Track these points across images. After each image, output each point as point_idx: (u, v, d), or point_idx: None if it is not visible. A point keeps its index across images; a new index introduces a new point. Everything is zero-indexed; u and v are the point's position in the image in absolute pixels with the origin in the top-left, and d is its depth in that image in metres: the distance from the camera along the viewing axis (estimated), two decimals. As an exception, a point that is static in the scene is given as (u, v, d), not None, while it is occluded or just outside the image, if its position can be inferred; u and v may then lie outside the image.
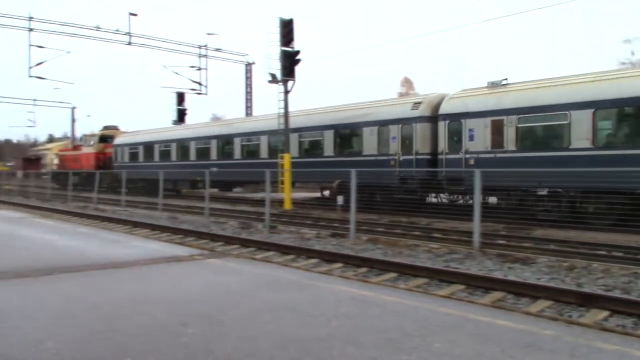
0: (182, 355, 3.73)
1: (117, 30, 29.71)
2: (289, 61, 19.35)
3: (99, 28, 29.33)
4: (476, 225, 9.90)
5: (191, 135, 28.21)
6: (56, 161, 41.42)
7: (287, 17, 19.59)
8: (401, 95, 54.46)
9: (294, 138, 21.15)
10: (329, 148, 20.31)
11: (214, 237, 12.61)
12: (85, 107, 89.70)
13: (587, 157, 13.09)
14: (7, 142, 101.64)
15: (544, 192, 14.27)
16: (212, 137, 26.51)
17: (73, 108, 51.77)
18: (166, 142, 29.85)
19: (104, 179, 29.19)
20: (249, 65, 35.62)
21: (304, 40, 36.15)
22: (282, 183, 20.15)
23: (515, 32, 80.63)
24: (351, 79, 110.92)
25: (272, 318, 4.68)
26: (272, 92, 31.96)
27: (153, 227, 14.76)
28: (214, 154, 26.14)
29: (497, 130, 15.17)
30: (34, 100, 50.63)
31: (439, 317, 4.78)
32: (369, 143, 18.76)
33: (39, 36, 28.72)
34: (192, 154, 27.60)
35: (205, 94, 33.32)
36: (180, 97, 32.70)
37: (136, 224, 15.66)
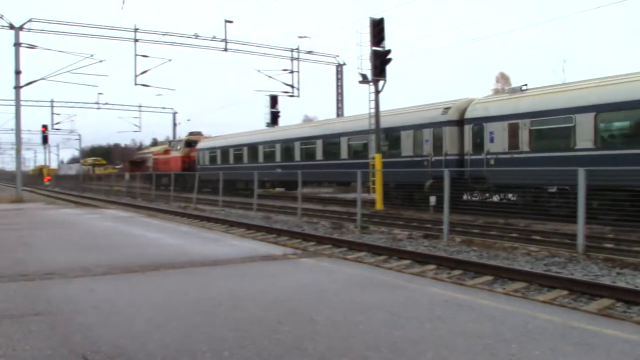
0: (278, 351, 3.83)
1: (214, 38, 31.00)
2: (380, 61, 19.27)
3: (197, 36, 30.78)
4: (580, 227, 9.36)
5: (259, 140, 31.69)
6: (150, 164, 45.93)
7: (378, 16, 19.53)
8: (496, 91, 52.44)
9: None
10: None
11: (307, 237, 12.85)
12: (185, 111, 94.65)
13: (589, 157, 14.21)
14: (116, 146, 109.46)
15: (553, 189, 15.45)
16: (275, 141, 30.06)
17: (174, 113, 54.74)
18: (238, 147, 33.74)
19: (189, 180, 31.32)
20: (339, 67, 35.85)
21: (396, 38, 35.60)
22: (373, 184, 20.09)
23: (623, 20, 75.07)
24: (444, 75, 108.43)
25: (364, 318, 4.69)
26: (364, 91, 32.11)
27: (248, 227, 15.29)
28: (278, 156, 29.51)
29: (514, 132, 16.66)
30: (139, 106, 54.11)
31: (540, 324, 4.56)
32: (406, 145, 20.74)
33: (144, 46, 30.60)
34: (260, 157, 31.06)
35: (297, 96, 33.94)
36: (274, 100, 33.58)
37: (232, 224, 16.30)
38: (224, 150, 34.96)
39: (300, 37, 33.55)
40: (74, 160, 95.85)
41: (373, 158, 20.52)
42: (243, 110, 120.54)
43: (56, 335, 4.18)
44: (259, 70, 33.05)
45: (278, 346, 3.94)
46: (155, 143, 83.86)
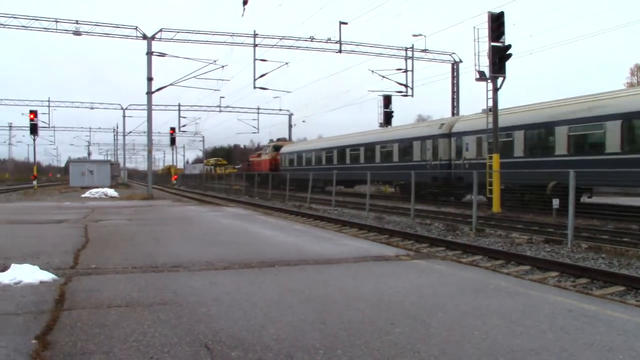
0: (390, 352, 3.82)
1: (329, 40, 31.54)
2: (499, 57, 18.50)
3: (313, 39, 31.50)
4: None
5: (330, 145, 37.54)
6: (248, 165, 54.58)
7: (496, 10, 18.77)
8: (630, 85, 48.21)
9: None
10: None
11: (419, 239, 12.68)
12: (301, 112, 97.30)
13: (525, 162, 19.99)
14: (236, 147, 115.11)
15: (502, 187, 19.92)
16: (347, 145, 34.84)
17: (290, 114, 56.60)
18: (314, 150, 39.59)
19: (275, 179, 36.66)
20: (455, 64, 34.95)
21: (518, 33, 34.14)
22: (490, 185, 19.35)
23: None
24: (574, 69, 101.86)
25: (479, 324, 4.53)
26: (480, 90, 31.06)
27: (361, 227, 15.39)
28: (348, 159, 34.22)
29: (479, 144, 22.70)
30: (257, 108, 56.54)
31: (681, 341, 4.12)
32: (416, 152, 27.07)
33: (262, 50, 31.88)
34: (334, 160, 35.75)
35: (412, 95, 33.57)
36: (387, 100, 33.49)
37: (345, 223, 16.49)
38: (299, 154, 42.13)
39: (415, 35, 32.87)
40: (197, 161, 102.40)
41: (490, 158, 19.76)
42: (357, 111, 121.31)
43: (181, 324, 4.48)
44: (372, 71, 33.13)
45: (390, 347, 3.92)
46: (271, 144, 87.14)
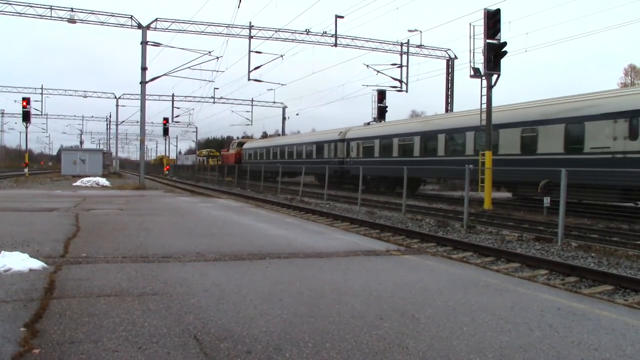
0: (378, 346, 3.83)
1: (325, 33, 31.45)
2: (494, 54, 18.52)
3: (308, 32, 31.39)
4: None
5: (276, 144, 46.53)
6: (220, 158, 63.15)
7: (493, 7, 18.77)
8: (624, 85, 48.47)
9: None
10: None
11: (410, 234, 12.71)
12: (295, 105, 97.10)
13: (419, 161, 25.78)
14: (229, 139, 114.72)
15: None
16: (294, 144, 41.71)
17: (284, 107, 56.42)
18: (265, 148, 48.19)
19: (235, 170, 41.57)
20: (450, 61, 34.98)
21: (513, 30, 34.02)
22: (482, 182, 19.42)
23: None
24: (569, 68, 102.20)
25: (468, 320, 4.55)
26: (475, 86, 31.13)
27: (352, 221, 15.40)
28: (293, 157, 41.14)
29: (358, 147, 31.55)
30: (251, 100, 56.32)
31: (667, 341, 4.16)
32: (325, 152, 35.45)
33: (257, 42, 31.78)
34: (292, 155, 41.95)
35: (406, 91, 33.57)
36: (381, 95, 33.49)
37: (337, 217, 16.49)
38: (256, 150, 51.22)
39: (410, 30, 32.86)
40: (190, 152, 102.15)
41: (483, 155, 19.83)
42: (351, 105, 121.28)
43: (171, 314, 4.48)
44: (367, 65, 33.11)
45: (379, 342, 3.93)
46: (265, 136, 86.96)
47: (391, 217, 16.50)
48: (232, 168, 40.22)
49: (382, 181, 30.16)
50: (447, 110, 33.79)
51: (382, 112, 33.35)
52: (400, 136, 28.05)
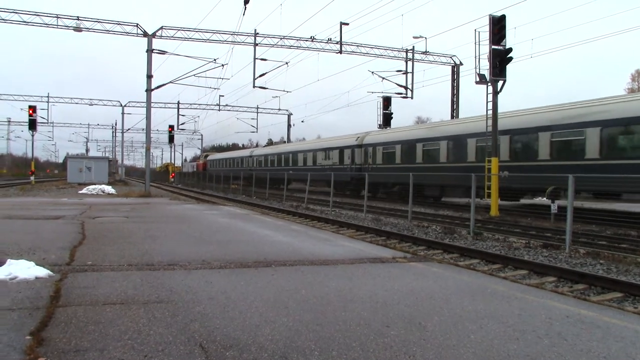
0: (385, 355, 3.81)
1: (330, 40, 31.55)
2: (499, 60, 18.52)
3: (313, 39, 31.50)
4: None
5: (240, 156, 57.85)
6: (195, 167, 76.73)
7: (498, 13, 18.79)
8: (631, 90, 48.35)
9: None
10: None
11: (417, 241, 12.67)
12: (300, 112, 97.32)
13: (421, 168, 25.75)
14: (234, 146, 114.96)
15: None
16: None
17: (289, 114, 56.59)
18: (225, 159, 62.80)
19: (203, 178, 49.97)
20: (455, 67, 35.00)
21: (518, 36, 34.10)
22: (489, 188, 19.36)
23: None
24: (574, 74, 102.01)
25: (476, 328, 4.52)
26: (480, 93, 31.16)
27: (358, 228, 15.37)
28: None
29: (376, 153, 30.92)
30: (257, 107, 56.55)
31: (677, 349, 4.12)
32: (340, 159, 35.19)
33: (262, 50, 31.88)
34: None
35: (411, 97, 33.59)
36: (387, 102, 33.52)
37: (342, 224, 16.47)
38: (217, 160, 66.76)
39: (415, 37, 32.89)
40: (195, 159, 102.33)
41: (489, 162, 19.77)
42: (357, 112, 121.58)
43: (176, 322, 4.47)
44: (372, 72, 33.18)
45: (385, 350, 3.91)
46: (270, 143, 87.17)
47: (397, 224, 16.47)
48: (237, 176, 41.38)
49: (405, 188, 28.95)
50: (452, 117, 33.74)
51: (387, 119, 33.37)
52: (425, 141, 26.86)
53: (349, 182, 33.22)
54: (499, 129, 19.88)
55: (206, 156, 74.78)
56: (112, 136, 77.14)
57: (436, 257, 10.02)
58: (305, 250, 8.98)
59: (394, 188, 29.60)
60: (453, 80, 34.91)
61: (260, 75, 32.22)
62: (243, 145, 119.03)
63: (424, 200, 26.56)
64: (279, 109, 54.92)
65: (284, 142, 57.63)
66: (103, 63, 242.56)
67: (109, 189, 32.06)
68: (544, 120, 19.60)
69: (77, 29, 28.79)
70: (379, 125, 33.56)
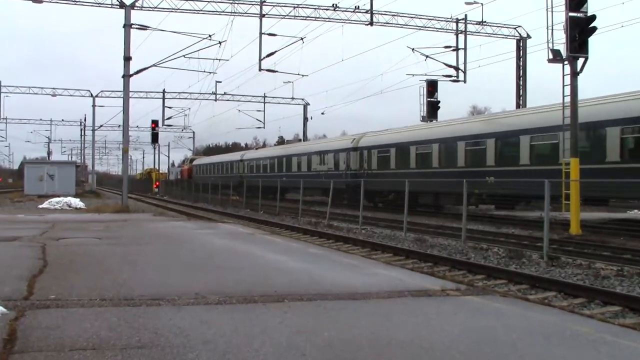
0: (432, 417, 3.78)
1: (357, 9, 31.57)
2: (579, 31, 18.33)
3: (336, 7, 31.55)
4: None
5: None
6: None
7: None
8: None
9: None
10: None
11: (473, 268, 12.61)
12: (320, 102, 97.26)
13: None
14: (235, 146, 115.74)
15: None
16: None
17: (305, 105, 56.74)
18: (213, 165, 68.70)
19: (195, 188, 51.39)
20: (521, 41, 34.81)
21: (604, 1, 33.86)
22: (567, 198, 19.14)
23: None
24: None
25: (552, 382, 4.46)
26: (555, 73, 31.01)
27: (396, 251, 15.36)
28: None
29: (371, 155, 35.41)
30: (263, 96, 56.70)
31: None
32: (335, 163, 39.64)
33: (270, 22, 32.00)
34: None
35: (464, 81, 33.46)
36: (432, 87, 33.37)
37: (376, 246, 16.47)
38: (204, 166, 72.93)
39: (468, 3, 32.75)
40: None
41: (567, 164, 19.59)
42: (393, 100, 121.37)
43: (163, 373, 4.49)
44: (413, 49, 33.14)
45: (433, 410, 3.88)
46: (281, 142, 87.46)
47: (447, 246, 16.38)
48: (239, 185, 43.16)
49: (420, 197, 30.97)
50: (518, 106, 33.53)
51: (433, 108, 33.17)
52: (443, 141, 28.40)
53: (344, 189, 35.54)
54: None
55: (192, 161, 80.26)
56: (81, 135, 78.40)
57: (499, 289, 9.92)
58: (327, 280, 8.96)
59: (425, 199, 31.07)
60: (518, 58, 34.74)
61: (268, 55, 32.48)
62: (246, 145, 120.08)
63: (437, 212, 27.87)
64: (293, 98, 55.14)
65: (299, 140, 57.81)
66: (69, 43, 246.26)
67: (76, 202, 32.51)
68: (615, 111, 19.69)
69: (37, 0, 29.29)
70: (422, 117, 33.43)
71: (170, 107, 57.76)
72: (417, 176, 28.87)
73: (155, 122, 48.51)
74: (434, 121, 32.78)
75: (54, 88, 60.22)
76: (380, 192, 33.64)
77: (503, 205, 27.17)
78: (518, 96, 34.32)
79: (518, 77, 34.53)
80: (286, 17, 31.75)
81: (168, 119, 57.63)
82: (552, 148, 22.74)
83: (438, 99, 33.35)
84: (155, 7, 30.50)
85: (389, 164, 33.07)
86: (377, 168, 34.21)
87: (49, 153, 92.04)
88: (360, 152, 36.14)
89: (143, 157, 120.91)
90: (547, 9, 19.48)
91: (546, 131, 22.89)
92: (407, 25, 33.13)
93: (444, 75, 33.62)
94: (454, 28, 33.41)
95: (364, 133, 38.30)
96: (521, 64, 34.55)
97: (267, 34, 31.83)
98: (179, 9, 30.82)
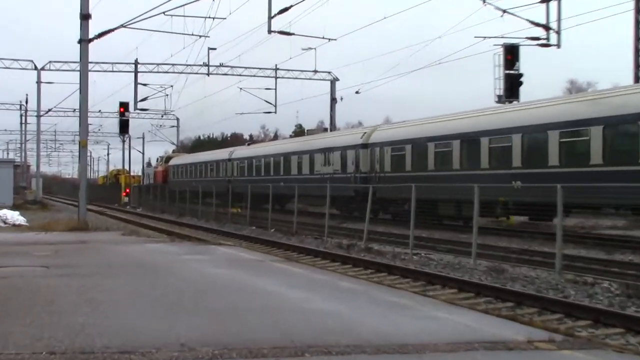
0: None
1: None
2: None
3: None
4: None
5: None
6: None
7: None
8: None
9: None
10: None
11: (574, 311, 12.49)
12: (352, 77, 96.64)
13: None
14: (235, 138, 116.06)
15: None
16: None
17: (333, 80, 56.48)
18: (195, 165, 71.64)
19: (169, 194, 56.17)
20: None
21: None
22: None
23: None
24: None
25: None
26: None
27: (462, 285, 15.27)
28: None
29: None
30: (275, 69, 56.44)
31: None
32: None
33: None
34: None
35: (557, 45, 33.18)
36: (511, 53, 33.01)
37: (433, 278, 16.40)
38: (185, 167, 74.67)
39: None
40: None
41: None
42: (455, 74, 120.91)
43: None
44: (484, 0, 32.94)
45: None
46: (299, 131, 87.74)
47: (535, 279, 16.23)
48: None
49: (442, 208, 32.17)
50: (636, 79, 33.22)
51: (513, 85, 32.80)
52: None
53: (352, 197, 37.10)
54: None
55: (168, 160, 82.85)
56: (21, 123, 78.87)
57: (612, 341, 9.83)
58: (365, 326, 8.93)
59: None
60: (637, 11, 34.30)
61: (281, 12, 32.45)
62: (251, 136, 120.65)
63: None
64: (315, 72, 55.05)
65: (325, 129, 57.69)
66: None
67: (14, 216, 32.75)
68: None
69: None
70: (498, 97, 33.11)
71: (145, 85, 57.76)
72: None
73: (124, 106, 48.49)
74: (515, 102, 32.44)
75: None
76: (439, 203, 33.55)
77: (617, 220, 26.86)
78: (636, 66, 33.95)
79: (636, 38, 34.16)
80: (306, -43, 31.80)
81: (142, 100, 57.62)
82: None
83: (519, 71, 33.01)
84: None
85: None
86: (412, 170, 34.38)
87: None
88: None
89: (108, 154, 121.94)
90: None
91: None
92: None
93: (528, 38, 33.34)
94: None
95: (377, 126, 39.23)
96: (640, 19, 34.22)
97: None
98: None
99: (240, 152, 60.58)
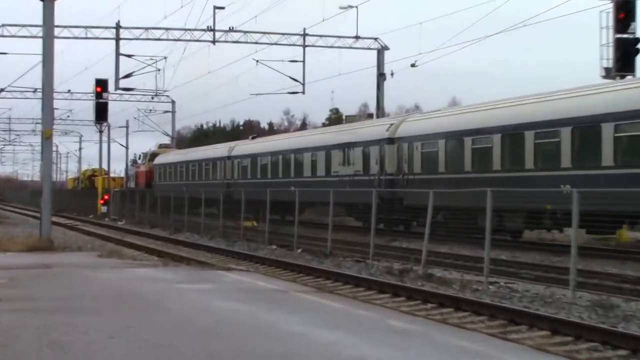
0: None
1: None
2: None
3: None
4: None
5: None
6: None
7: None
8: None
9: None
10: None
11: None
12: (406, 47, 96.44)
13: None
14: (249, 126, 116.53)
15: None
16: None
17: (380, 49, 56.45)
18: (186, 164, 75.23)
19: (162, 202, 57.50)
20: None
21: None
22: None
23: None
24: None
25: None
26: None
27: (556, 326, 15.15)
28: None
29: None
30: (303, 34, 56.43)
31: None
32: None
33: None
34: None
35: None
36: (624, 11, 32.73)
37: (516, 316, 16.27)
38: (174, 166, 78.40)
39: None
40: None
41: None
42: (546, 40, 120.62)
43: None
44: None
45: None
46: (336, 118, 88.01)
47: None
48: (254, 204, 45.38)
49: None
50: None
51: (627, 53, 32.50)
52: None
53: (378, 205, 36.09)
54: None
55: (153, 157, 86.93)
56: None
57: None
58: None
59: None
60: None
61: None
62: (270, 125, 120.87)
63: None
64: (357, 38, 54.99)
65: (370, 114, 57.60)
66: None
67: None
68: None
69: None
70: (606, 70, 32.94)
71: (130, 56, 58.03)
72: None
73: (102, 84, 48.59)
74: (630, 77, 32.16)
75: None
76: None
77: None
78: None
79: None
80: None
81: (126, 77, 57.93)
82: None
83: (635, 35, 32.75)
84: None
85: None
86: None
87: None
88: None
89: (80, 149, 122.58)
90: None
91: None
92: None
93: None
94: None
95: (406, 115, 39.58)
96: None
97: None
98: None
99: (242, 147, 61.50)
